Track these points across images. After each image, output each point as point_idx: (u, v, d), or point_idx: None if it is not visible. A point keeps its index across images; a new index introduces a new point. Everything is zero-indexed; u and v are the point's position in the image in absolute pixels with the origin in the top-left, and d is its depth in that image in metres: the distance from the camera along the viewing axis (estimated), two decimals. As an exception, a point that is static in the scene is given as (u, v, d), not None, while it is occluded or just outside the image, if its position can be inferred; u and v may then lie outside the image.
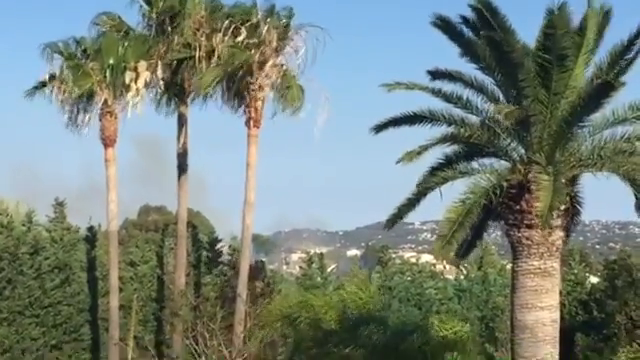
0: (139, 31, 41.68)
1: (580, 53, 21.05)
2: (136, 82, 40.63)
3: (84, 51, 41.17)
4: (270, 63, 39.58)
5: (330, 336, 28.96)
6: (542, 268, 21.33)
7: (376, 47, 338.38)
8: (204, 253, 49.34)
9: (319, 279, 49.27)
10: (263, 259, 58.28)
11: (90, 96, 41.03)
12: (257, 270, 44.71)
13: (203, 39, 39.80)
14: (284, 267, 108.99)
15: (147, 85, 40.94)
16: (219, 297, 42.25)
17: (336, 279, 50.63)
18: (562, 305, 27.19)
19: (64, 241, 46.20)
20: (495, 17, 20.79)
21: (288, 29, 40.37)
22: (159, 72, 40.77)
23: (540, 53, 20.81)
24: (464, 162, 22.31)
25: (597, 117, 21.68)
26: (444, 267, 61.08)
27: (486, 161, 22.16)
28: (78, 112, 41.43)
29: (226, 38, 39.52)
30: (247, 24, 39.81)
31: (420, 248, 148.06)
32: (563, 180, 21.00)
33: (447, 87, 22.25)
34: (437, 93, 22.30)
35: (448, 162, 22.29)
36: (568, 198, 21.17)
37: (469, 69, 22.02)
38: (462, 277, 52.45)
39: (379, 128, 22.42)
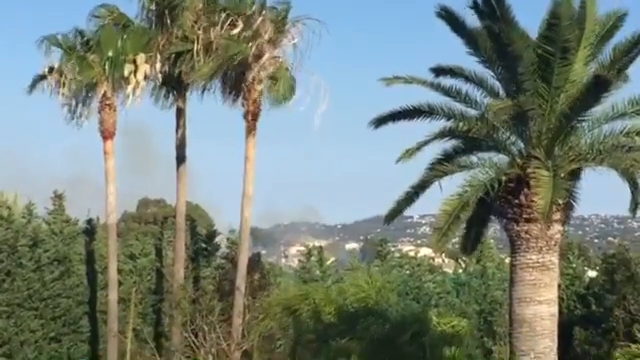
0: (138, 23, 41.66)
1: (582, 47, 21.03)
2: (135, 75, 40.65)
3: (86, 42, 41.16)
4: (267, 56, 39.55)
5: (330, 328, 29.02)
6: (541, 262, 21.34)
7: (377, 42, 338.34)
8: (203, 246, 49.37)
9: (318, 272, 49.31)
10: (262, 251, 58.36)
11: (89, 89, 41.06)
12: (255, 263, 44.74)
13: (200, 32, 39.79)
14: (283, 260, 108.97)
15: (146, 78, 40.95)
16: (217, 290, 42.33)
17: (335, 272, 50.65)
18: (560, 299, 27.25)
19: (64, 234, 46.21)
20: (500, 6, 20.74)
21: (285, 22, 40.33)
22: (158, 65, 40.77)
23: (542, 45, 20.78)
24: (463, 156, 22.32)
25: (596, 111, 21.69)
26: (443, 261, 61.17)
27: (485, 155, 22.17)
28: (77, 105, 41.46)
29: (222, 31, 39.50)
30: (243, 17, 39.80)
31: (419, 242, 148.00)
32: (562, 174, 21.00)
33: (446, 81, 22.26)
34: (436, 87, 22.28)
35: (447, 156, 22.29)
36: (567, 192, 21.18)
37: (470, 63, 22.04)
38: (461, 271, 52.48)
39: (378, 122, 22.41)
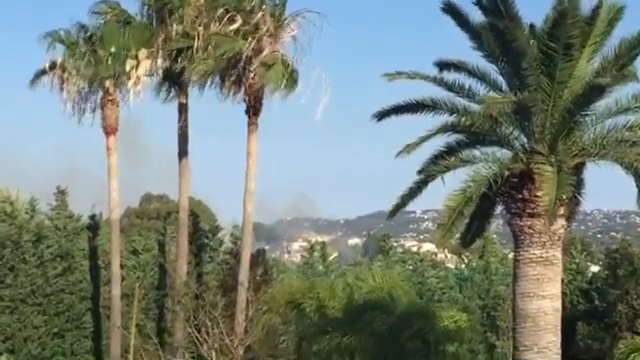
0: (139, 19, 41.63)
1: (588, 43, 21.01)
2: (137, 70, 40.62)
3: (89, 38, 41.14)
4: (267, 50, 39.47)
5: (334, 322, 29.02)
6: (544, 257, 21.31)
7: (380, 38, 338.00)
8: (206, 241, 49.38)
9: (321, 267, 49.35)
10: (265, 247, 58.35)
11: (92, 85, 41.05)
12: (258, 258, 44.75)
13: (201, 28, 39.74)
14: (285, 256, 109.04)
15: (150, 74, 40.95)
16: (221, 285, 42.33)
17: (338, 268, 50.67)
18: (563, 294, 27.21)
19: (67, 229, 46.26)
20: (504, 2, 20.72)
21: (284, 15, 40.27)
22: (159, 61, 40.75)
23: (546, 41, 20.75)
24: (466, 150, 22.28)
25: (600, 106, 21.66)
26: (445, 256, 61.09)
27: (488, 150, 22.15)
28: (80, 101, 41.44)
29: (221, 26, 39.42)
30: (242, 12, 39.73)
31: (422, 237, 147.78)
32: (566, 169, 20.97)
33: (449, 76, 22.24)
34: (439, 82, 22.26)
35: (450, 150, 22.25)
36: (571, 188, 21.15)
37: (474, 58, 22.01)
38: (464, 266, 52.48)
39: (381, 115, 22.39)
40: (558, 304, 21.64)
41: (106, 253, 45.16)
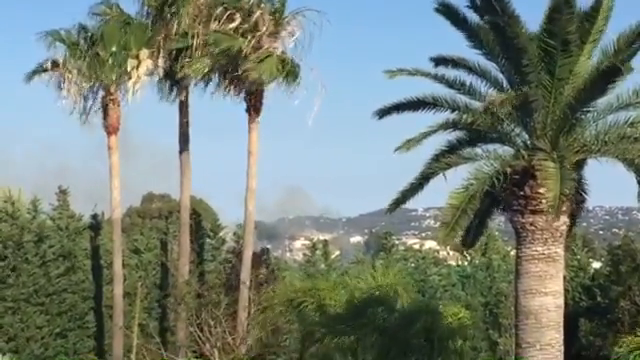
0: (138, 19, 41.63)
1: (588, 40, 20.98)
2: (137, 69, 40.63)
3: (90, 38, 41.15)
4: (265, 49, 39.42)
5: (336, 320, 29.01)
6: (546, 254, 21.29)
7: (381, 36, 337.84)
8: (207, 240, 49.37)
9: (323, 266, 49.34)
10: (268, 246, 58.35)
11: (94, 84, 41.06)
12: (261, 257, 44.74)
13: (200, 27, 39.72)
14: (287, 254, 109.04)
15: (150, 73, 40.94)
16: (223, 284, 42.31)
17: (340, 266, 50.68)
18: (566, 291, 27.15)
19: (69, 229, 46.27)
20: (500, 2, 20.70)
21: (283, 14, 40.24)
22: (160, 60, 40.75)
23: (545, 38, 20.73)
24: (468, 148, 22.26)
25: (601, 102, 21.64)
26: (447, 253, 61.13)
27: (490, 147, 22.12)
28: (82, 101, 41.47)
29: (219, 25, 39.38)
30: (241, 10, 39.70)
31: (423, 235, 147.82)
32: (567, 166, 20.95)
33: (450, 73, 22.21)
34: (440, 79, 22.23)
35: (452, 148, 22.22)
36: (574, 184, 21.13)
37: (472, 56, 21.98)
38: (466, 263, 52.49)
39: (382, 113, 22.37)
40: (560, 301, 21.63)
41: (108, 252, 45.16)
